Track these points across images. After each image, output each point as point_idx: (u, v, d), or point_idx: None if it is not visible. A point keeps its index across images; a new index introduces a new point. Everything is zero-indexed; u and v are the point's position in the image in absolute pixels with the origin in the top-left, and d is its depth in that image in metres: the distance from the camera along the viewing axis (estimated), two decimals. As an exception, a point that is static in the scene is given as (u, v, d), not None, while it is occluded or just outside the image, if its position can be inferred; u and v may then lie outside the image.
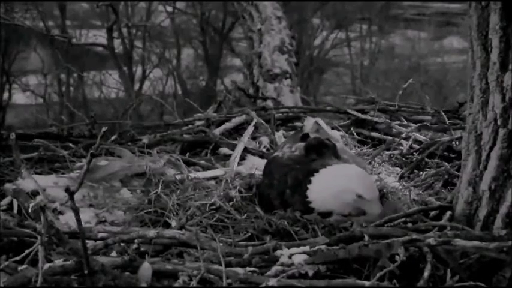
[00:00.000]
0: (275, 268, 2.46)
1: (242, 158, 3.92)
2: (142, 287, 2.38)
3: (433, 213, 3.04)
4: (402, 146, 4.20)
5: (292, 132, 4.39)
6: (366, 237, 2.60)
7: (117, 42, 15.23)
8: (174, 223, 3.09)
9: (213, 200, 3.25)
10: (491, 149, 2.68)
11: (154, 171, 3.55)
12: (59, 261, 2.45)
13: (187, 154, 4.13)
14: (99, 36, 14.24)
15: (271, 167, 3.36)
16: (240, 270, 2.47)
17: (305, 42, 18.07)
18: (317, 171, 3.12)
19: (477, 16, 2.64)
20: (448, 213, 2.89)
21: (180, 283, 2.40)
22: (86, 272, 2.31)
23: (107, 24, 12.93)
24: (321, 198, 3.07)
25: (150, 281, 2.40)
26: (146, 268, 2.42)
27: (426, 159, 3.92)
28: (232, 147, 4.10)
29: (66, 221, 3.06)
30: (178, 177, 3.55)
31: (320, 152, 3.29)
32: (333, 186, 3.07)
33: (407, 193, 3.33)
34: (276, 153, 3.47)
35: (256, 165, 3.67)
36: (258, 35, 6.48)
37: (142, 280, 2.38)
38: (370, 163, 3.94)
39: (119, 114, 5.57)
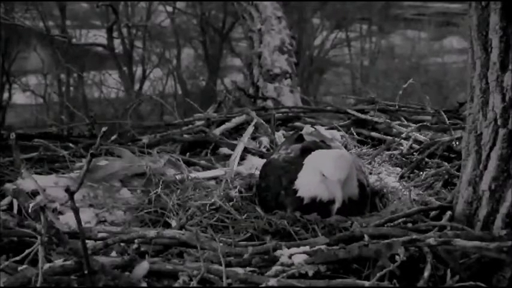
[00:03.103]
0: (275, 268, 2.46)
1: (242, 158, 3.92)
2: (143, 287, 2.38)
3: (433, 213, 3.04)
4: (402, 146, 4.20)
5: (290, 133, 4.40)
6: (366, 237, 2.60)
7: (117, 42, 15.26)
8: (174, 223, 3.09)
9: (213, 200, 3.25)
10: (491, 149, 2.68)
11: (154, 171, 3.55)
12: (59, 261, 2.45)
13: (187, 154, 4.13)
14: (99, 36, 14.25)
15: (267, 170, 3.37)
16: (240, 270, 2.47)
17: (305, 42, 18.05)
18: None
19: (477, 16, 2.65)
20: (448, 213, 2.89)
21: (180, 283, 2.40)
22: (86, 272, 2.31)
23: (107, 24, 12.94)
24: (303, 183, 3.12)
25: (142, 279, 2.40)
26: (143, 267, 2.42)
27: (426, 159, 3.92)
28: (232, 147, 4.10)
29: (66, 221, 3.06)
30: (178, 177, 3.55)
31: None
32: (309, 169, 3.12)
33: (407, 193, 3.33)
34: (272, 156, 3.48)
35: (256, 165, 3.67)
36: (258, 35, 6.48)
37: (135, 277, 2.39)
38: (370, 163, 3.94)
39: (119, 114, 5.57)
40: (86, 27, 17.76)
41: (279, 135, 4.38)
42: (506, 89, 2.61)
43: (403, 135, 4.33)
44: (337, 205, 3.03)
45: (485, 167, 2.71)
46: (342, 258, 2.50)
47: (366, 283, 2.35)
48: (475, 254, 2.51)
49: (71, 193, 2.22)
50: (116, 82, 16.17)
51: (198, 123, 4.66)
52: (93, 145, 2.55)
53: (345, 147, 4.22)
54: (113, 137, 4.30)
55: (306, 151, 3.32)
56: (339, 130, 4.52)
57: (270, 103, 5.75)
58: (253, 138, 4.34)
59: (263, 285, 2.33)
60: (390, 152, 4.13)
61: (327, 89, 19.00)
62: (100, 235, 2.79)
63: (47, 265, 2.38)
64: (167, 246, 2.77)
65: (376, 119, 4.67)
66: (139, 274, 2.41)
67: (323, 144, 3.43)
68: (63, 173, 3.66)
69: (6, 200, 3.31)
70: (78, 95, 17.08)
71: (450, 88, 16.85)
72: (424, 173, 3.74)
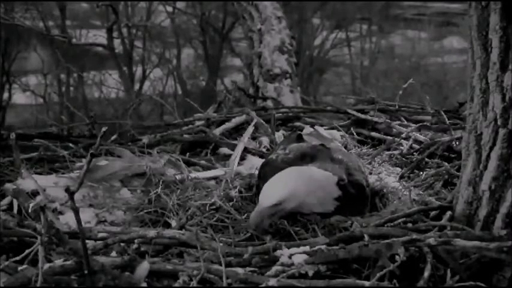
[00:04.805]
0: (275, 268, 2.46)
1: (242, 158, 3.92)
2: (143, 287, 2.38)
3: (433, 213, 3.04)
4: (402, 146, 4.20)
5: (287, 133, 4.40)
6: (366, 237, 2.60)
7: (117, 42, 15.26)
8: (174, 223, 3.09)
9: (213, 200, 3.25)
10: (491, 149, 2.68)
11: (154, 171, 3.55)
12: (59, 261, 2.45)
13: (187, 154, 4.13)
14: (99, 36, 14.25)
15: (266, 170, 3.34)
16: (240, 270, 2.47)
17: (305, 42, 18.08)
18: None
19: (477, 16, 2.65)
20: (448, 213, 2.89)
21: (180, 283, 2.40)
22: (86, 272, 2.31)
23: (107, 24, 12.94)
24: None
25: (143, 280, 2.40)
26: (144, 268, 2.42)
27: (426, 159, 3.92)
28: (232, 147, 4.10)
29: (66, 221, 3.06)
30: (178, 177, 3.55)
31: (314, 156, 3.28)
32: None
33: (407, 193, 3.33)
34: (270, 156, 3.46)
35: (256, 165, 3.66)
36: (258, 35, 6.49)
37: (137, 278, 2.38)
38: (370, 163, 3.94)
39: (119, 114, 5.57)
40: (86, 27, 17.78)
41: (279, 135, 4.38)
42: (506, 89, 2.60)
43: (403, 135, 4.32)
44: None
45: (485, 167, 2.71)
46: (342, 258, 2.50)
47: (366, 283, 2.35)
48: (475, 254, 2.51)
49: (71, 193, 2.23)
50: (116, 82, 16.18)
51: (198, 123, 4.66)
52: (93, 145, 2.55)
53: (345, 147, 4.21)
54: (113, 137, 4.30)
55: (305, 156, 3.30)
56: (339, 130, 4.51)
57: (270, 103, 5.75)
58: (253, 138, 4.33)
59: (263, 285, 2.33)
60: (390, 152, 4.12)
61: (327, 89, 19.02)
62: (100, 235, 2.78)
63: (47, 265, 2.38)
64: (167, 246, 2.77)
65: (376, 119, 4.67)
66: (141, 275, 2.41)
67: (322, 146, 3.40)
68: (63, 173, 3.66)
69: (6, 200, 3.31)
70: (78, 95, 17.10)
71: (450, 88, 16.86)
72: (424, 173, 3.74)
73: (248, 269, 2.50)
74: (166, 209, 3.22)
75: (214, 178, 3.63)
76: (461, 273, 2.45)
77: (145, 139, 4.23)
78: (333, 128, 4.54)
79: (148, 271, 2.43)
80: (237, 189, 3.40)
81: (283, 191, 2.95)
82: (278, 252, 2.55)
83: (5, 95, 15.61)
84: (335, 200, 3.09)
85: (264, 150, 4.16)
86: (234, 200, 3.30)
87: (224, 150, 4.21)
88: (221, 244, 2.65)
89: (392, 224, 2.91)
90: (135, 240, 2.71)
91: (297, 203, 2.98)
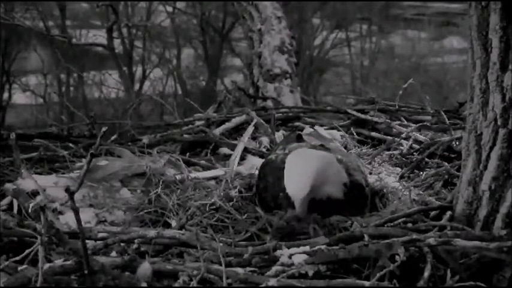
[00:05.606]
0: (275, 268, 2.46)
1: (242, 158, 3.91)
2: (143, 287, 2.38)
3: (433, 213, 3.04)
4: (402, 146, 4.19)
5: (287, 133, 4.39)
6: (366, 237, 2.60)
7: (117, 42, 15.25)
8: (174, 223, 3.09)
9: (213, 200, 3.24)
10: (491, 149, 2.68)
11: (154, 171, 3.55)
12: (59, 261, 2.45)
13: (187, 154, 4.13)
14: (99, 36, 14.24)
15: (266, 170, 3.34)
16: (240, 270, 2.47)
17: (305, 42, 18.08)
18: None
19: (477, 16, 2.65)
20: (448, 213, 2.89)
21: (180, 283, 2.40)
22: (86, 272, 2.31)
23: (107, 24, 12.94)
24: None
25: (149, 280, 2.40)
26: (146, 268, 2.42)
27: (426, 159, 3.91)
28: (232, 147, 4.10)
29: (66, 221, 3.06)
30: (178, 177, 3.54)
31: None
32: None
33: (407, 193, 3.33)
34: (269, 156, 3.46)
35: (256, 165, 3.66)
36: (258, 35, 6.49)
37: (141, 279, 2.38)
38: (370, 163, 3.94)
39: (119, 114, 5.57)
40: (86, 27, 17.78)
41: (279, 135, 4.37)
42: (506, 89, 2.60)
43: (403, 135, 4.32)
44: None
45: (485, 167, 2.70)
46: (342, 258, 2.50)
47: (366, 283, 2.35)
48: (475, 254, 2.50)
49: (71, 193, 2.22)
50: (116, 82, 16.17)
51: (198, 123, 4.65)
52: (93, 145, 2.55)
53: (345, 147, 4.22)
54: (113, 137, 4.30)
55: None
56: (339, 130, 4.51)
57: (270, 103, 5.75)
58: (253, 138, 4.33)
59: (263, 285, 2.33)
60: (390, 152, 4.12)
61: (327, 89, 19.02)
62: (100, 235, 2.78)
63: (47, 265, 2.38)
64: (167, 246, 2.77)
65: (376, 119, 4.66)
66: (145, 275, 2.41)
67: (322, 147, 3.39)
68: (63, 173, 3.65)
69: (6, 200, 3.31)
70: (78, 95, 17.11)
71: (450, 88, 16.87)
72: (424, 173, 3.74)
73: (248, 269, 2.50)
74: (166, 209, 3.22)
75: (214, 178, 3.63)
76: (461, 273, 2.45)
77: (145, 139, 4.22)
78: (333, 128, 4.54)
79: (151, 271, 2.43)
80: (237, 189, 3.40)
81: (311, 176, 2.94)
82: (278, 252, 2.55)
83: (5, 95, 15.62)
84: (343, 185, 3.11)
85: (264, 150, 4.16)
86: (234, 200, 3.30)
87: (224, 150, 4.21)
88: (221, 244, 2.65)
89: (392, 224, 2.91)
90: (135, 240, 2.71)
91: (323, 181, 2.99)
